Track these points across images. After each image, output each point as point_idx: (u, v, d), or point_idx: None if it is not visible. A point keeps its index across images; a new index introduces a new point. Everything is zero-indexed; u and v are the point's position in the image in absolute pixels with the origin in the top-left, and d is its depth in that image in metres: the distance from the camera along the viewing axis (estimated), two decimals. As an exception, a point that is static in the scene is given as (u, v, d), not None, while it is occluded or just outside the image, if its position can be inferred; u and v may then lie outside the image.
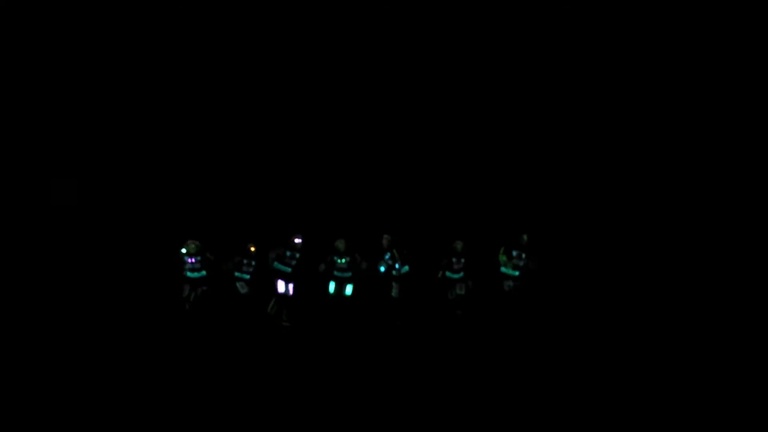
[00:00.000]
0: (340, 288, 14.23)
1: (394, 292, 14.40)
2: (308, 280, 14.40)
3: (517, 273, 14.35)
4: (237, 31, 15.89)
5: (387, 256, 14.39)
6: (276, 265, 14.09)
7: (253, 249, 14.28)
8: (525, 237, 14.41)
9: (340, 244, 14.25)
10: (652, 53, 15.98)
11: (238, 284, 14.11)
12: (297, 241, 14.14)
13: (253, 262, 14.20)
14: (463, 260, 14.43)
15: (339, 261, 14.20)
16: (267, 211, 16.00)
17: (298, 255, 14.14)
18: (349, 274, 14.21)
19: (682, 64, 15.93)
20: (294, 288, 14.21)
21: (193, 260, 13.68)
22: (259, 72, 16.25)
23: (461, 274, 14.45)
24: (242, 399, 8.01)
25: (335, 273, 14.23)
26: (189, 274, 13.69)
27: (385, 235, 14.51)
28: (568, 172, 16.33)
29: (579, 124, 16.33)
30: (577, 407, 7.57)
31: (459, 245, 14.57)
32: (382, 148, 16.64)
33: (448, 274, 14.51)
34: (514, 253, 14.40)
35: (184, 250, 13.69)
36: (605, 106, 16.21)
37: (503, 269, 14.40)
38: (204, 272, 13.75)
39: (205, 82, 15.98)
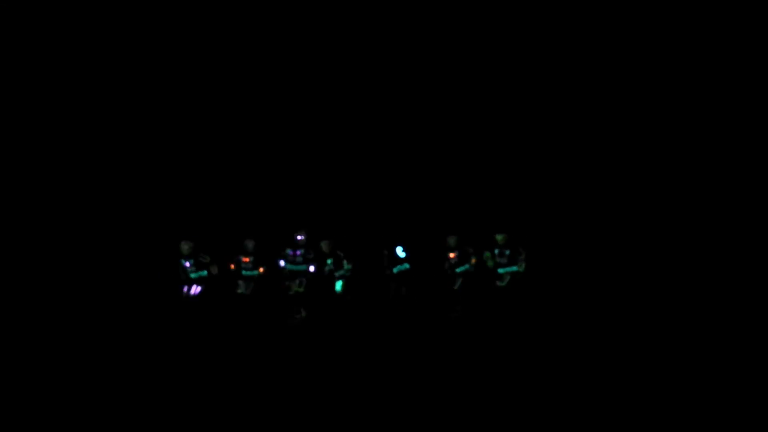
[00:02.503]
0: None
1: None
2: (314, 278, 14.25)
3: (515, 268, 14.13)
4: (239, 31, 15.75)
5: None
6: (286, 266, 13.90)
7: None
8: (500, 237, 14.28)
9: (324, 246, 14.15)
10: (645, 55, 16.29)
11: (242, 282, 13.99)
12: (299, 237, 13.96)
13: (253, 258, 14.04)
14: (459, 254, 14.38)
15: (328, 262, 14.11)
16: (263, 210, 15.87)
17: (301, 251, 13.96)
18: (337, 272, 14.18)
19: (673, 66, 16.26)
20: (305, 285, 14.02)
21: (188, 264, 13.46)
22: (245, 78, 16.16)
23: (465, 266, 14.40)
24: (250, 399, 7.99)
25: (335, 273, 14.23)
26: None
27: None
28: (563, 170, 16.50)
29: (573, 123, 16.55)
30: (579, 406, 7.61)
31: (452, 240, 14.53)
32: (373, 146, 16.66)
33: (456, 270, 14.45)
34: (496, 251, 14.18)
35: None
36: (603, 106, 16.46)
37: (499, 270, 14.22)
38: (201, 272, 13.53)
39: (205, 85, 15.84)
